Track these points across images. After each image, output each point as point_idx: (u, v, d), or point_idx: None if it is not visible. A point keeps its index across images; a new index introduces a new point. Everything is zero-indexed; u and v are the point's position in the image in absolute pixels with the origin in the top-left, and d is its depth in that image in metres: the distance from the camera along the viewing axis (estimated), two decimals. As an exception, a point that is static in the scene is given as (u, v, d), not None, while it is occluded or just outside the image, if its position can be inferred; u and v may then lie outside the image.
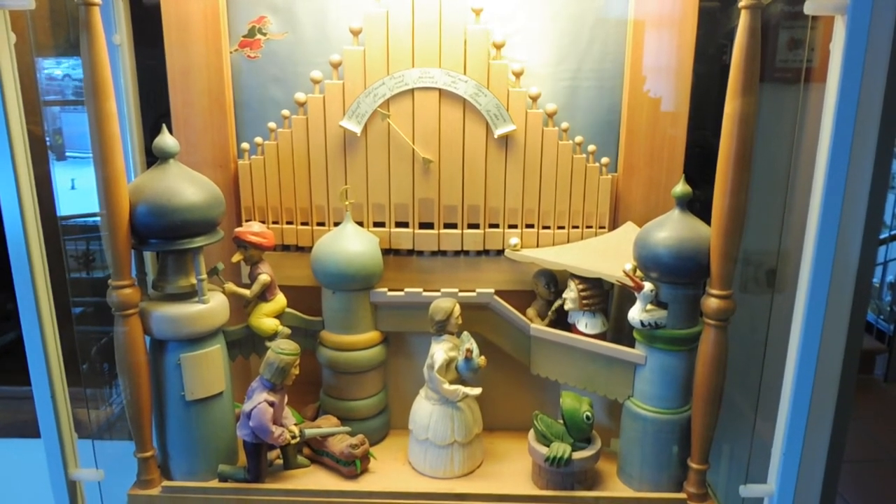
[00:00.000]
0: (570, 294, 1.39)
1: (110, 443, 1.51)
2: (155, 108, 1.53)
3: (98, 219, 1.20)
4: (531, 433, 1.37)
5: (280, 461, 1.40)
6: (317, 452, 1.42)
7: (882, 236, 3.35)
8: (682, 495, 1.31)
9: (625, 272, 1.26)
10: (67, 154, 1.86)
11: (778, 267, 1.40)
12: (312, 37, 1.43)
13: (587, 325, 1.39)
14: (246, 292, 1.40)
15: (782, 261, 1.35)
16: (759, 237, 1.46)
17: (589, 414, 1.32)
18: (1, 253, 1.21)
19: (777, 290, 1.39)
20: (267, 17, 1.42)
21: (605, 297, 1.42)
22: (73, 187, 1.58)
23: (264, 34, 1.43)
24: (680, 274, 1.22)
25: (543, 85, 1.42)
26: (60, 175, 1.42)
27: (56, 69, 1.69)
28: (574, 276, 1.39)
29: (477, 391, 1.37)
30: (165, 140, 1.26)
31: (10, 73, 1.14)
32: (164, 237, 1.24)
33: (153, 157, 1.28)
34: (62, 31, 1.46)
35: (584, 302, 1.37)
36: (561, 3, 1.40)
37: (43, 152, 1.36)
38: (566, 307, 1.40)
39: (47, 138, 1.52)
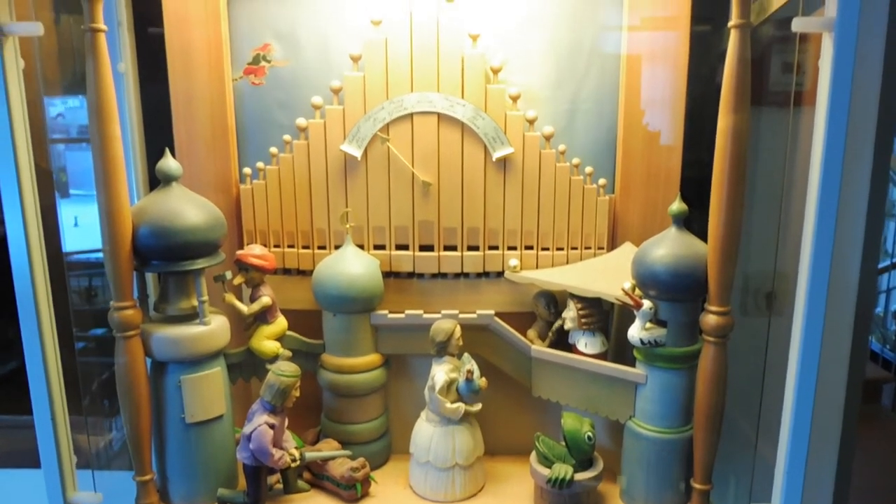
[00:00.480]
0: (570, 314, 1.39)
1: (109, 472, 1.50)
2: (158, 136, 1.55)
3: (101, 255, 1.21)
4: (533, 455, 1.36)
5: (280, 485, 1.39)
6: (317, 476, 1.41)
7: (884, 264, 3.33)
8: (687, 516, 1.29)
9: (623, 290, 1.27)
10: (71, 192, 1.88)
11: (775, 289, 1.40)
12: (315, 63, 1.46)
13: (587, 344, 1.40)
14: (244, 307, 1.40)
15: (784, 284, 1.35)
16: (761, 261, 1.46)
17: (591, 435, 1.31)
18: (5, 282, 1.22)
19: (776, 312, 1.39)
20: (271, 44, 1.45)
21: (605, 316, 1.42)
22: (76, 224, 1.59)
23: (269, 61, 1.46)
24: (678, 291, 1.23)
25: (544, 108, 1.44)
26: (64, 212, 1.44)
27: (61, 107, 1.72)
28: (573, 296, 1.39)
29: (477, 406, 1.37)
30: (168, 163, 1.28)
31: (18, 98, 1.17)
32: (166, 259, 1.25)
33: (156, 186, 1.30)
34: (69, 67, 1.50)
35: (583, 321, 1.38)
36: (559, 30, 1.43)
37: (49, 185, 1.38)
38: (566, 327, 1.41)
39: (53, 175, 1.54)
